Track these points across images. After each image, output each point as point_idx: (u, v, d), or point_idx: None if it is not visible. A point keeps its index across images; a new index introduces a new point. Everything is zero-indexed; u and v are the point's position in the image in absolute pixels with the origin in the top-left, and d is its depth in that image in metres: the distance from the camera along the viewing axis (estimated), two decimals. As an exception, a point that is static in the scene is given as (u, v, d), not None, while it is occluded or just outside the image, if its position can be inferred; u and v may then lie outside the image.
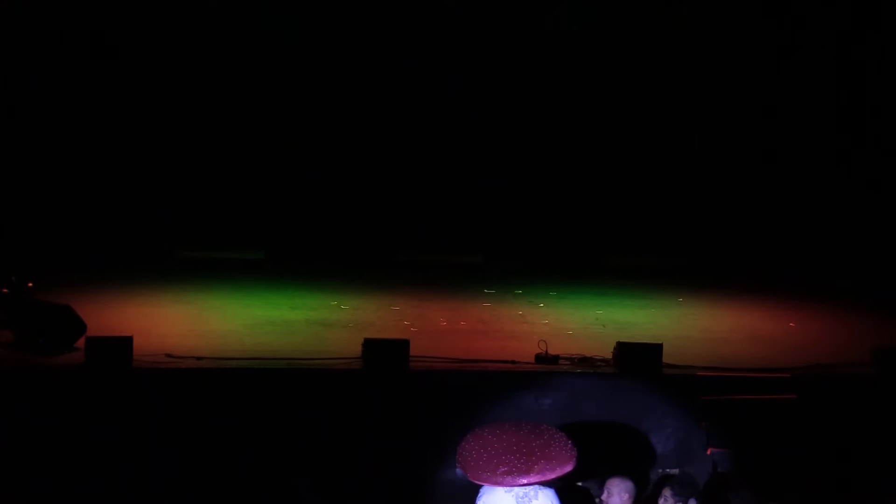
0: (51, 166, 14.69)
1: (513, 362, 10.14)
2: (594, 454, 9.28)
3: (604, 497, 7.96)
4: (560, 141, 15.84)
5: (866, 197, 15.73)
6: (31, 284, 11.33)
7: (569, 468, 7.14)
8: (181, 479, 9.14)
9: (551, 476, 7.04)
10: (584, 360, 10.30)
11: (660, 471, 9.68)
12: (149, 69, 14.97)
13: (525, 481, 6.94)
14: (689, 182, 15.87)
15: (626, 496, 7.88)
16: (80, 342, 9.85)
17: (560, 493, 7.23)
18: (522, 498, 6.99)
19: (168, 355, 9.90)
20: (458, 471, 7.37)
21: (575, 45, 15.78)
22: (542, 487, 7.10)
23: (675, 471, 9.59)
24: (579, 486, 8.91)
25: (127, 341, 9.63)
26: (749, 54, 15.80)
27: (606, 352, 10.37)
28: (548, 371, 9.98)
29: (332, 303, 12.90)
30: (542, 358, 10.27)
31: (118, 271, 13.84)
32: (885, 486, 9.57)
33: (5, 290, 11.04)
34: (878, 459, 9.67)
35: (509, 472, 6.93)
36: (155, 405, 9.22)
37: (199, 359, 9.84)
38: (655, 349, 10.16)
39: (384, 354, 9.88)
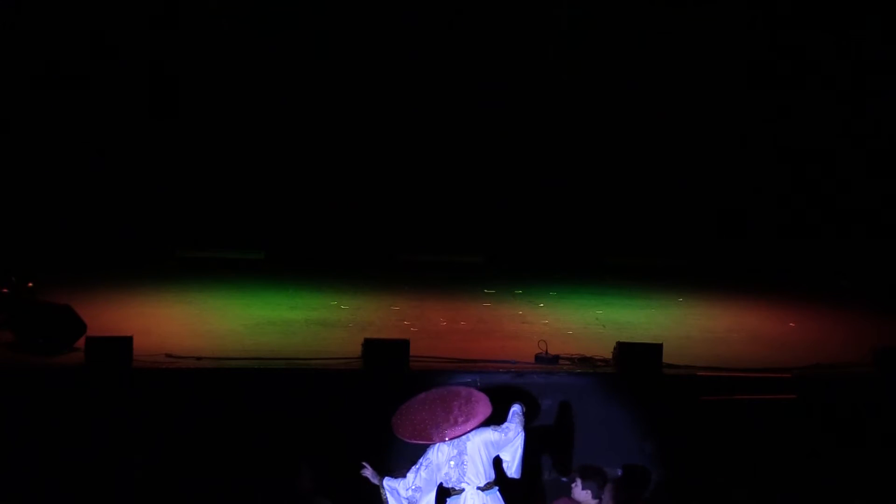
0: (51, 167, 14.68)
1: (513, 362, 10.14)
2: (592, 453, 9.33)
3: (573, 486, 8.55)
4: (560, 142, 15.83)
5: (866, 198, 15.74)
6: (31, 284, 11.33)
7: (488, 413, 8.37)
8: (181, 479, 9.13)
9: (471, 427, 8.30)
10: (584, 360, 10.29)
11: (660, 471, 9.68)
12: (149, 69, 14.97)
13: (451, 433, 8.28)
14: (689, 182, 15.86)
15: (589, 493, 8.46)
16: (80, 342, 9.84)
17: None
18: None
19: (168, 355, 9.90)
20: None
21: (576, 46, 15.79)
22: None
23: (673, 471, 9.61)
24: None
25: (127, 341, 9.62)
26: (749, 55, 15.80)
27: (606, 352, 10.36)
28: (548, 371, 9.98)
29: (332, 303, 12.89)
30: (542, 358, 10.26)
31: (118, 271, 13.83)
32: (884, 486, 9.58)
33: (5, 290, 11.04)
34: (877, 459, 9.67)
35: (435, 427, 8.32)
36: (155, 405, 9.22)
37: (198, 359, 9.85)
38: (655, 349, 10.15)
39: (384, 354, 9.87)
